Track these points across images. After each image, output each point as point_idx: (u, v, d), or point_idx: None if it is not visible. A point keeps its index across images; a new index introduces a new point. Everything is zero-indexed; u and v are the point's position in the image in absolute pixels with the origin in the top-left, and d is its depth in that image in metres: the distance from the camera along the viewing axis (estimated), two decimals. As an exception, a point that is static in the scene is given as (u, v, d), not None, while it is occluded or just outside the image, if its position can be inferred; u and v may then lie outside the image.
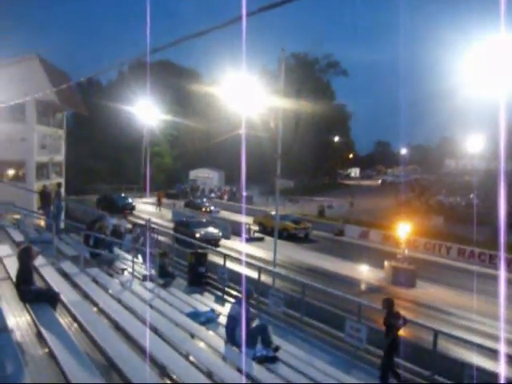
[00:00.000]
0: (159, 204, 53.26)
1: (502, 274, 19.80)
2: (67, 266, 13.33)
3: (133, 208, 47.71)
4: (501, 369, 9.90)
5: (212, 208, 52.95)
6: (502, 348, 12.11)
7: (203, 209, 51.97)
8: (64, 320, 8.80)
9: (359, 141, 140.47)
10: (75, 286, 11.70)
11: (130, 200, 49.97)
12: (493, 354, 11.35)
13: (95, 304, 10.69)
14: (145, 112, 58.71)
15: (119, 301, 11.31)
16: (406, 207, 51.09)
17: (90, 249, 16.09)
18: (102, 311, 10.27)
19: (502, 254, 24.37)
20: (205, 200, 56.91)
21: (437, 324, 14.65)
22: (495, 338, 14.60)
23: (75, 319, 9.02)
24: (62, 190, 26.55)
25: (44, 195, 22.18)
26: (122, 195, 53.13)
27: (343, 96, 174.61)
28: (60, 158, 36.17)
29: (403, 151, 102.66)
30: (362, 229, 40.66)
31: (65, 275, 12.38)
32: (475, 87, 47.84)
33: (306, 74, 79.81)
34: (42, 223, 22.72)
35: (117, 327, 9.31)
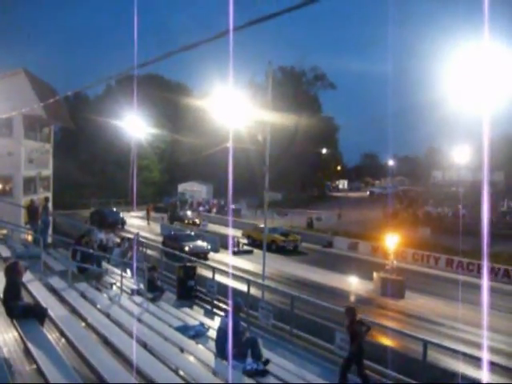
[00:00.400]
0: (148, 218, 53.09)
1: (485, 283, 19.96)
2: (55, 281, 13.24)
3: (124, 223, 47.31)
4: (484, 377, 9.96)
5: (196, 220, 53.07)
6: (485, 356, 12.16)
7: (186, 221, 52.12)
8: (52, 335, 8.73)
9: (347, 153, 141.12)
10: (63, 301, 11.62)
11: (120, 215, 49.33)
12: (480, 362, 11.37)
13: (83, 319, 10.62)
14: (132, 126, 58.66)
15: (108, 315, 11.25)
16: (394, 218, 51.39)
17: (77, 263, 16.01)
18: (90, 326, 10.21)
19: (485, 263, 24.58)
20: (188, 213, 56.64)
21: (426, 334, 14.67)
22: (482, 347, 14.66)
23: (63, 334, 8.95)
24: (50, 204, 26.37)
25: (31, 210, 22.04)
26: (114, 210, 52.60)
27: (330, 108, 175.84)
28: (48, 172, 35.98)
29: (390, 163, 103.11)
30: (350, 240, 40.74)
31: (53, 290, 12.30)
32: (461, 98, 48.38)
33: (294, 86, 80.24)
34: (30, 238, 22.56)
35: (105, 342, 9.25)
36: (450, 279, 29.21)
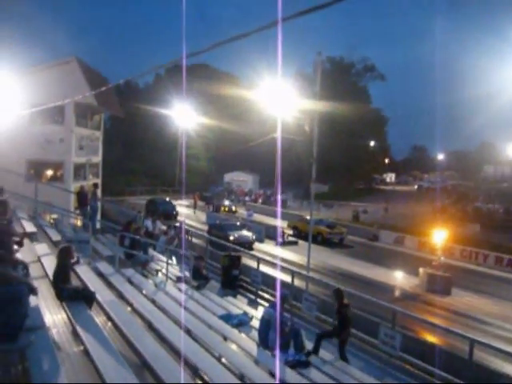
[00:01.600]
0: (195, 206, 53.46)
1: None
2: (103, 266, 13.49)
3: (176, 214, 45.17)
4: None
5: (232, 207, 53.76)
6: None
7: (222, 208, 52.73)
8: (99, 319, 8.89)
9: (395, 145, 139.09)
10: (110, 285, 11.83)
11: (173, 205, 47.49)
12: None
13: (129, 304, 10.79)
14: (180, 115, 59.21)
15: (153, 301, 11.39)
16: (442, 213, 50.39)
17: (125, 249, 16.29)
18: (136, 311, 10.37)
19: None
20: (226, 201, 56.85)
21: (472, 333, 14.36)
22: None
23: (110, 318, 9.11)
24: (98, 190, 26.90)
25: (81, 196, 22.51)
26: (167, 199, 50.97)
27: (380, 99, 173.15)
28: (97, 159, 36.69)
29: (440, 156, 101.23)
30: (397, 234, 40.24)
31: (100, 275, 12.53)
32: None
33: (342, 77, 79.53)
34: (79, 223, 23.08)
35: (150, 327, 9.38)
36: (499, 277, 28.55)
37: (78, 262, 10.27)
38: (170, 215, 41.83)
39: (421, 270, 25.86)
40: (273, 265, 21.43)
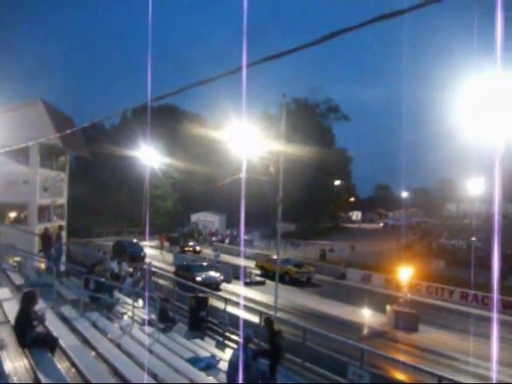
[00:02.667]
0: (162, 247, 53.01)
1: (495, 315, 19.65)
2: (67, 310, 13.25)
3: (144, 256, 43.05)
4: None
5: (196, 248, 53.62)
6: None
7: (186, 248, 52.73)
8: (62, 365, 8.70)
9: (360, 184, 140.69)
10: (74, 330, 11.60)
11: (140, 246, 45.67)
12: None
13: (94, 349, 10.58)
14: (147, 155, 59.15)
15: (118, 346, 11.20)
16: (407, 250, 50.98)
17: (90, 293, 16.01)
18: (100, 356, 10.17)
19: (495, 296, 24.20)
20: (190, 242, 56.58)
21: (440, 369, 14.45)
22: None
23: (73, 364, 8.92)
24: (63, 232, 26.50)
25: (45, 238, 22.14)
26: (134, 241, 48.65)
27: (344, 139, 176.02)
28: (62, 200, 36.21)
29: (404, 194, 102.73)
30: (364, 272, 40.42)
31: (64, 319, 12.29)
32: (475, 129, 48.32)
33: (307, 118, 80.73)
34: (43, 266, 22.64)
35: (116, 373, 9.20)
36: (464, 313, 28.83)
37: (43, 319, 9.93)
38: (137, 257, 40.79)
39: (388, 307, 26.01)
40: (240, 305, 21.29)
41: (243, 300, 23.46)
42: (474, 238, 53.00)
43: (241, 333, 10.83)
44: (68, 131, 23.08)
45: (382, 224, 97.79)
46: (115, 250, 42.46)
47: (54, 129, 28.70)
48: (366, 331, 24.41)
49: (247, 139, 25.17)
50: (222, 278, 33.55)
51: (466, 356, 19.93)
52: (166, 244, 56.43)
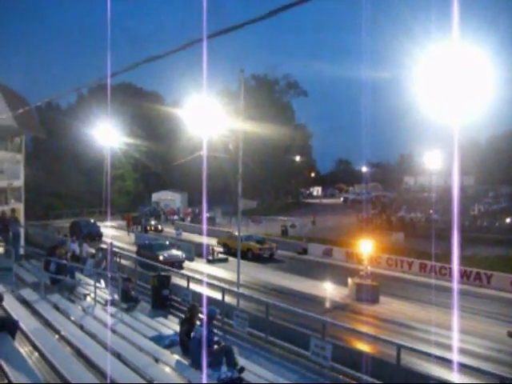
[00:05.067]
0: (129, 227, 52.38)
1: (455, 285, 20.29)
2: (27, 293, 13.10)
3: (100, 235, 43.86)
4: (461, 380, 10.13)
5: (158, 226, 53.72)
6: (462, 359, 12.35)
7: (148, 227, 52.51)
8: (24, 349, 8.63)
9: (320, 160, 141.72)
10: (35, 313, 11.50)
11: (97, 226, 46.17)
12: (452, 364, 11.54)
13: (56, 331, 10.51)
14: (105, 135, 58.24)
15: (81, 327, 11.15)
16: (367, 224, 51.79)
17: (50, 275, 15.82)
18: (63, 338, 10.11)
19: (455, 266, 24.94)
20: (152, 221, 56.33)
21: (400, 338, 14.83)
22: (456, 350, 14.86)
23: (36, 348, 8.86)
24: (18, 215, 26.01)
25: (1, 221, 21.73)
26: (91, 221, 49.39)
27: (303, 115, 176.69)
28: (19, 182, 35.42)
29: (364, 169, 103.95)
30: (325, 247, 40.89)
31: (25, 303, 12.16)
32: (432, 104, 49.20)
33: (266, 94, 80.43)
34: (1, 250, 22.24)
35: (79, 354, 9.17)
36: (423, 283, 29.52)
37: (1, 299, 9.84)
38: (94, 237, 40.85)
39: (349, 280, 26.47)
40: (203, 283, 21.36)
41: (206, 277, 23.49)
42: (431, 211, 54.21)
43: (204, 310, 10.87)
44: (22, 110, 22.49)
45: (342, 199, 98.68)
46: (72, 230, 42.55)
47: (7, 109, 27.96)
48: (328, 304, 24.81)
49: (206, 116, 25.02)
50: (184, 256, 33.52)
51: (425, 325, 20.52)
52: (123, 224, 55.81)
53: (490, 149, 73.70)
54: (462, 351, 15.57)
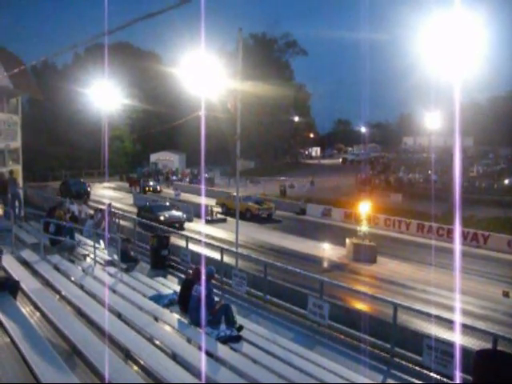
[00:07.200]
0: (135, 188, 52.41)
1: (457, 246, 20.42)
2: (27, 254, 13.19)
3: (88, 194, 44.72)
4: (456, 338, 10.26)
5: (157, 187, 53.89)
6: (457, 318, 12.52)
7: (147, 188, 52.64)
8: (25, 309, 8.74)
9: (320, 120, 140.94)
10: (36, 273, 11.60)
11: (85, 185, 47.30)
12: (450, 324, 11.71)
13: (57, 291, 10.63)
14: (103, 95, 57.70)
15: (81, 287, 11.26)
16: (366, 185, 51.89)
17: (50, 236, 15.90)
18: (64, 298, 10.24)
19: (457, 227, 25.02)
20: (150, 182, 56.20)
21: (397, 298, 15.01)
22: (452, 309, 15.08)
23: (37, 307, 8.97)
24: (16, 176, 25.92)
25: (0, 183, 21.69)
26: (81, 180, 50.78)
27: (303, 75, 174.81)
28: (16, 144, 35.25)
29: (363, 129, 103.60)
30: (323, 207, 41.05)
31: (25, 263, 12.25)
32: (433, 65, 48.73)
33: (265, 54, 79.50)
34: (0, 211, 22.28)
35: (80, 313, 9.30)
36: (420, 244, 29.77)
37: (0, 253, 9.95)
38: (82, 195, 41.48)
39: (347, 240, 26.66)
40: (202, 243, 21.48)
41: (205, 237, 23.63)
42: (430, 172, 54.21)
43: (203, 269, 10.97)
44: (17, 70, 22.23)
45: (340, 159, 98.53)
46: (61, 189, 44.56)
47: (2, 69, 27.64)
48: (326, 264, 25.08)
49: (205, 77, 24.74)
50: (185, 216, 33.66)
51: (422, 284, 20.79)
52: (122, 185, 55.75)
53: (491, 109, 73.07)
54: (458, 310, 15.78)
